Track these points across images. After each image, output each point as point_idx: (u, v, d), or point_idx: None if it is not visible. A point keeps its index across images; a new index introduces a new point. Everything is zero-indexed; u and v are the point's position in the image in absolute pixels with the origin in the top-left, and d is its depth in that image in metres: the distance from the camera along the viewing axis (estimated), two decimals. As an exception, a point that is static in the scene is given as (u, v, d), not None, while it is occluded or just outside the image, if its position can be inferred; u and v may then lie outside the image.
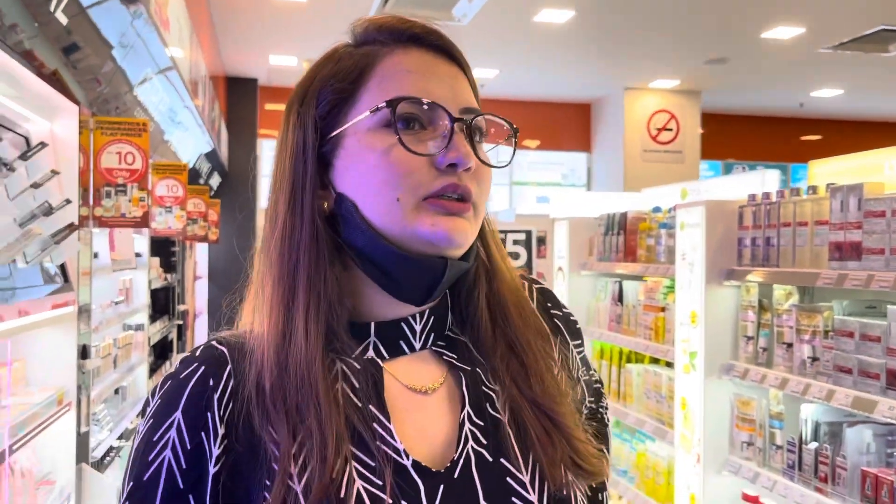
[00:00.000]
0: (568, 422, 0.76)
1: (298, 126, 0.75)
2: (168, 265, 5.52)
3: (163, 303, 5.52)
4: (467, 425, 0.75)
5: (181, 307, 6.13)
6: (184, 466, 0.70)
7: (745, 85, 9.79)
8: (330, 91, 0.75)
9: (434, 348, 0.79)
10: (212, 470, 0.70)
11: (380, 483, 0.69)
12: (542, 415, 0.76)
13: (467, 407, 0.76)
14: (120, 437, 3.55)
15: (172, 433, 0.70)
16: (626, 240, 3.64)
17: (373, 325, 0.76)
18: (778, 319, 2.52)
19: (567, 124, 10.98)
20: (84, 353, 2.90)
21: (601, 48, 8.32)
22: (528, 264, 4.64)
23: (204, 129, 6.13)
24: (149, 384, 4.52)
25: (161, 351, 5.48)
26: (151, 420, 0.72)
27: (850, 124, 11.65)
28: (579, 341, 0.88)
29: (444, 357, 0.79)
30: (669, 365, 3.32)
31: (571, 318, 0.89)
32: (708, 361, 2.78)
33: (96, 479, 2.94)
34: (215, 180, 8.64)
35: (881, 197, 2.09)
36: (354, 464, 0.69)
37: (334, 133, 0.75)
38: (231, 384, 0.71)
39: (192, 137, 6.32)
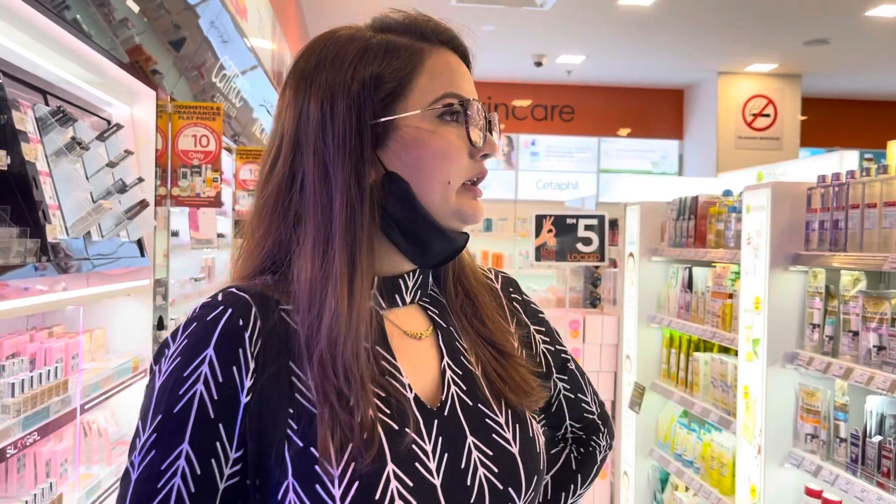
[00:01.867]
0: (514, 353, 0.93)
1: (354, 104, 0.83)
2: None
3: (248, 283, 5.75)
4: (448, 372, 0.88)
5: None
6: (215, 398, 0.77)
7: (849, 67, 9.25)
8: (386, 79, 0.84)
9: (420, 303, 0.93)
10: (243, 400, 0.77)
11: (388, 411, 0.80)
12: (495, 350, 0.92)
13: (446, 358, 0.89)
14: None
15: (204, 368, 0.77)
16: (696, 224, 3.54)
17: (376, 279, 0.87)
18: (844, 306, 2.40)
19: (658, 111, 10.70)
20: (160, 324, 3.09)
21: (692, 32, 8.05)
22: (600, 250, 4.58)
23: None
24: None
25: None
26: (179, 358, 0.78)
27: (972, 108, 10.83)
28: (540, 325, 1.03)
29: (429, 312, 0.93)
30: (737, 354, 3.22)
31: (531, 304, 1.04)
32: (771, 349, 2.68)
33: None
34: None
35: (952, 175, 1.96)
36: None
37: (388, 118, 0.84)
38: (259, 325, 0.79)
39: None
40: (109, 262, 2.50)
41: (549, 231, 4.53)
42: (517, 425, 0.88)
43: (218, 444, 0.77)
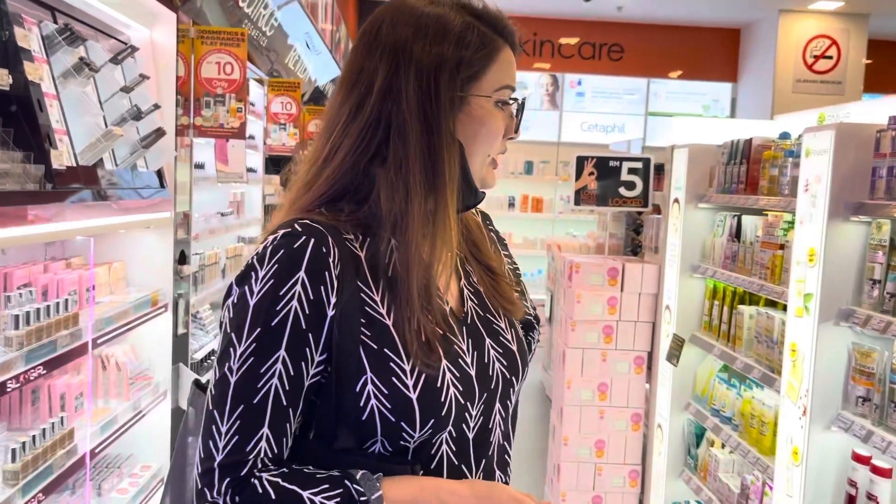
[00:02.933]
0: (502, 273, 1.18)
1: (453, 77, 1.02)
2: (286, 183, 5.64)
3: (281, 219, 5.66)
4: (465, 290, 1.11)
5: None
6: (307, 312, 0.94)
7: (925, 6, 8.63)
8: (475, 62, 1.03)
9: None
10: (330, 313, 0.95)
11: (436, 320, 1.01)
12: (494, 274, 1.16)
13: (463, 279, 1.12)
14: (224, 343, 3.71)
15: (297, 288, 0.94)
16: (748, 170, 3.30)
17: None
18: (910, 261, 2.19)
19: (712, 51, 10.19)
20: (182, 258, 3.00)
21: (754, -35, 7.56)
22: (644, 195, 4.36)
23: (326, 51, 6.14)
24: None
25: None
26: (273, 280, 0.94)
27: None
28: (505, 249, 1.27)
29: None
30: (785, 308, 3.02)
31: (497, 233, 1.29)
32: (824, 305, 2.48)
33: (193, 379, 3.08)
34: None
35: None
36: None
37: (464, 93, 1.03)
38: (336, 252, 0.96)
39: (322, 60, 6.36)
40: (124, 191, 2.40)
41: (591, 174, 4.32)
42: (512, 329, 1.14)
43: (308, 350, 0.95)
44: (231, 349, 0.93)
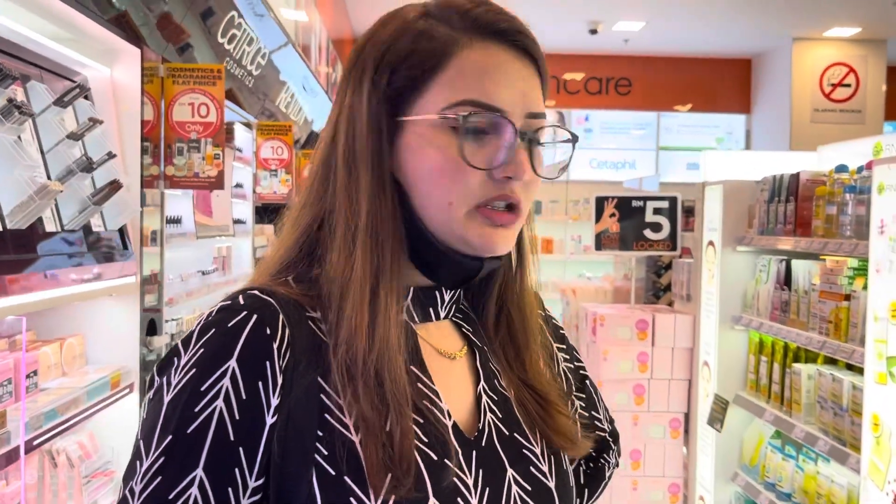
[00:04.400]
0: (558, 403, 0.85)
1: (374, 97, 0.75)
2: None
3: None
4: (484, 398, 0.82)
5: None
6: (237, 417, 0.69)
7: (944, 30, 8.33)
8: (405, 70, 0.75)
9: (454, 319, 0.85)
10: (269, 420, 0.69)
11: (426, 440, 0.73)
12: (537, 395, 0.84)
13: (482, 381, 0.82)
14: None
15: (225, 382, 0.69)
16: (796, 208, 2.91)
17: (412, 289, 0.80)
18: None
19: (724, 82, 9.89)
20: (152, 328, 2.61)
21: (765, -8, 7.28)
22: (672, 237, 3.95)
23: (322, 93, 5.84)
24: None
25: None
26: (194, 370, 0.69)
27: None
28: (561, 343, 0.97)
29: (463, 329, 0.85)
30: (852, 368, 2.60)
31: (552, 320, 0.98)
32: (915, 371, 2.06)
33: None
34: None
35: None
36: None
37: (401, 118, 0.75)
38: (287, 334, 0.71)
39: (319, 102, 6.08)
40: (71, 258, 2.02)
41: (612, 215, 3.93)
42: (552, 457, 0.83)
43: (237, 470, 0.68)
44: (137, 462, 0.69)
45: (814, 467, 2.80)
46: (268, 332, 0.71)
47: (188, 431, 0.68)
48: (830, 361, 2.78)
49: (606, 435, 1.04)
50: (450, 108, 0.73)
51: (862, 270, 2.47)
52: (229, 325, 0.71)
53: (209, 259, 3.53)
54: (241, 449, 0.68)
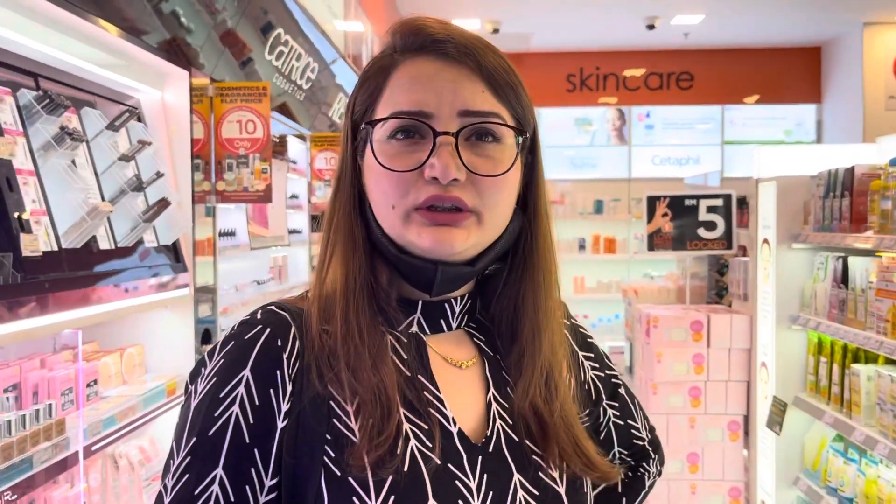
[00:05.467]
0: (572, 422, 0.86)
1: (347, 124, 0.85)
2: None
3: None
4: (494, 405, 0.84)
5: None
6: (251, 421, 0.75)
7: None
8: (361, 97, 0.83)
9: (467, 329, 0.89)
10: (280, 424, 0.76)
11: (430, 445, 0.78)
12: (543, 413, 0.85)
13: (492, 389, 0.85)
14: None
15: (240, 389, 0.76)
16: (852, 203, 2.81)
17: (420, 303, 0.85)
18: None
19: (791, 72, 9.55)
20: (206, 337, 2.72)
21: (832, -23, 7.01)
22: (727, 235, 3.86)
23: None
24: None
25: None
26: (215, 378, 0.77)
27: None
28: (588, 351, 0.97)
29: (475, 339, 0.88)
30: (914, 369, 2.50)
31: (579, 328, 0.98)
32: (972, 372, 1.97)
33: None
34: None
35: None
36: (408, 426, 0.78)
37: (359, 136, 0.83)
38: (297, 345, 0.78)
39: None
40: (124, 273, 2.13)
41: (664, 215, 3.87)
42: (564, 463, 0.84)
43: (253, 470, 0.76)
44: (170, 461, 0.77)
45: (875, 471, 2.70)
46: (279, 343, 0.78)
47: (209, 434, 0.75)
48: (891, 362, 2.68)
49: (646, 444, 1.04)
50: (381, 122, 0.80)
51: (919, 267, 2.38)
52: (245, 337, 0.78)
53: (265, 268, 3.65)
54: (255, 450, 0.75)
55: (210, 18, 2.99)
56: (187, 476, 0.75)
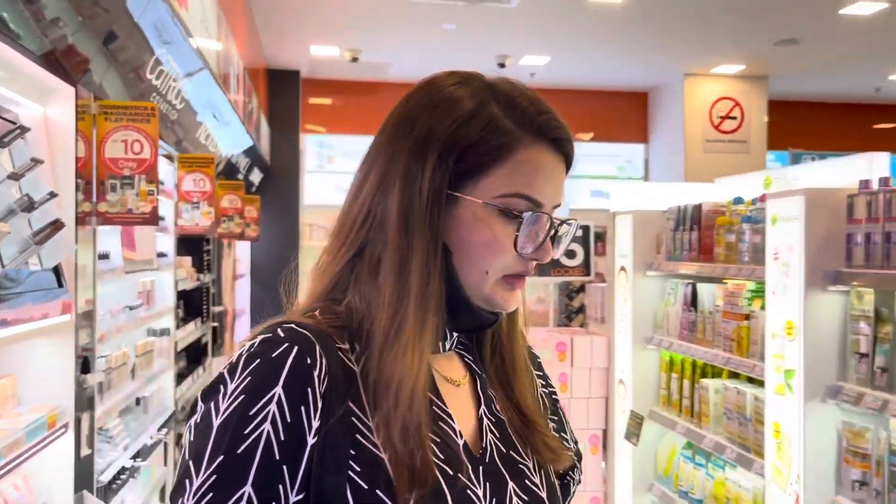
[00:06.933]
0: (541, 422, 0.97)
1: (439, 172, 0.85)
2: (201, 265, 5.23)
3: (196, 304, 5.24)
4: (486, 420, 0.93)
5: (217, 308, 5.85)
6: (282, 438, 0.76)
7: (817, 68, 9.10)
8: (471, 156, 0.85)
9: (457, 350, 0.96)
10: (310, 441, 0.77)
11: (442, 457, 0.83)
12: (525, 418, 0.95)
13: (483, 405, 0.94)
14: (136, 457, 3.23)
15: (272, 407, 0.76)
16: (700, 236, 3.17)
17: (447, 331, 0.92)
18: (903, 334, 2.04)
19: (623, 114, 10.43)
20: (85, 366, 2.58)
21: (659, 32, 7.78)
22: (586, 263, 4.19)
23: (240, 123, 5.83)
24: (176, 392, 4.22)
25: (194, 355, 5.20)
26: (243, 396, 0.77)
27: (931, 110, 10.81)
28: (539, 370, 1.08)
29: (465, 359, 0.97)
30: (753, 381, 2.86)
31: (530, 348, 1.07)
32: (809, 383, 2.32)
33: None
34: (256, 176, 8.36)
35: None
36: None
37: (458, 194, 0.86)
38: (324, 363, 0.80)
39: (232, 133, 6.04)
40: (19, 297, 2.01)
41: (530, 243, 4.12)
42: (542, 470, 0.94)
43: (281, 487, 0.76)
44: (187, 481, 0.75)
45: (722, 474, 3.04)
46: (308, 361, 0.79)
47: (238, 452, 0.75)
48: (734, 376, 3.04)
49: (573, 454, 1.13)
50: (504, 197, 0.86)
51: (759, 292, 2.73)
52: (273, 355, 0.79)
53: (134, 293, 3.50)
54: (284, 467, 0.76)
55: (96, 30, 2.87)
56: (211, 494, 0.74)
